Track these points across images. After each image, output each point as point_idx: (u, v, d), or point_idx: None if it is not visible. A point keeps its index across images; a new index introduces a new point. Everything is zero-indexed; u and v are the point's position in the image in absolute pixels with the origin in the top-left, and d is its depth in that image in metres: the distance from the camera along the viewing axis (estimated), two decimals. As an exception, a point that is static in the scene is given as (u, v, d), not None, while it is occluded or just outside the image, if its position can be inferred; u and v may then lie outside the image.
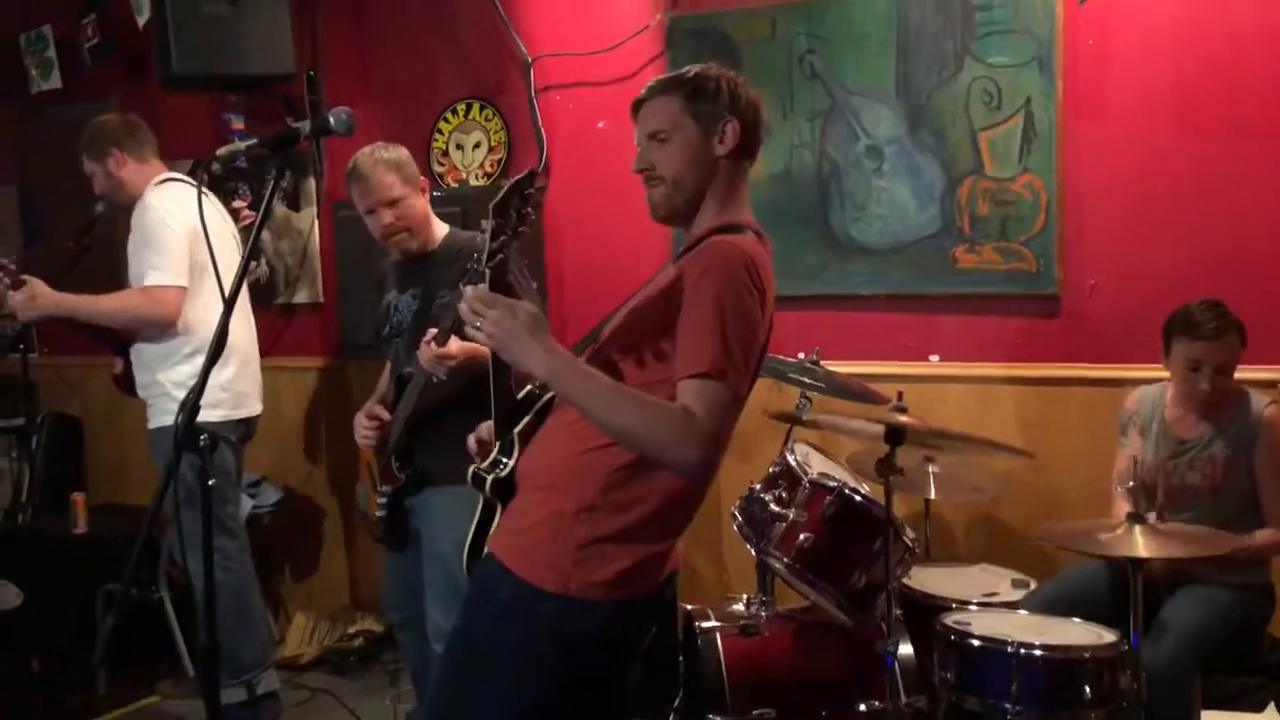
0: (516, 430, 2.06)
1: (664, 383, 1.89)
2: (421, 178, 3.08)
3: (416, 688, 3.32)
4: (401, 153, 3.05)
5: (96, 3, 4.78)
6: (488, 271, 1.97)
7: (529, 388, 2.10)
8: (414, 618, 3.13)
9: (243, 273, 2.16)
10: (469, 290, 1.91)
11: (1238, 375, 3.00)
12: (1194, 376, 2.92)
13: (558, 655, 1.95)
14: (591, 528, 1.92)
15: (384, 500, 3.08)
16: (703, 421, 1.82)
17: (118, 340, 3.79)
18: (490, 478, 2.06)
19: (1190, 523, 2.87)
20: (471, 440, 2.21)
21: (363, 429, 3.08)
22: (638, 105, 2.08)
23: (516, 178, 1.99)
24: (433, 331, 2.80)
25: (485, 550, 2.05)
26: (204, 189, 3.69)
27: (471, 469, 2.10)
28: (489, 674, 1.95)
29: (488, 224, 1.97)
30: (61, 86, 5.01)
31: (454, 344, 2.78)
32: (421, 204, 3.05)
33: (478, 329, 1.89)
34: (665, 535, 1.99)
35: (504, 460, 2.06)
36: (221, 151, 2.10)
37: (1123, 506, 2.94)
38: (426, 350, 2.78)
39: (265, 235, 4.68)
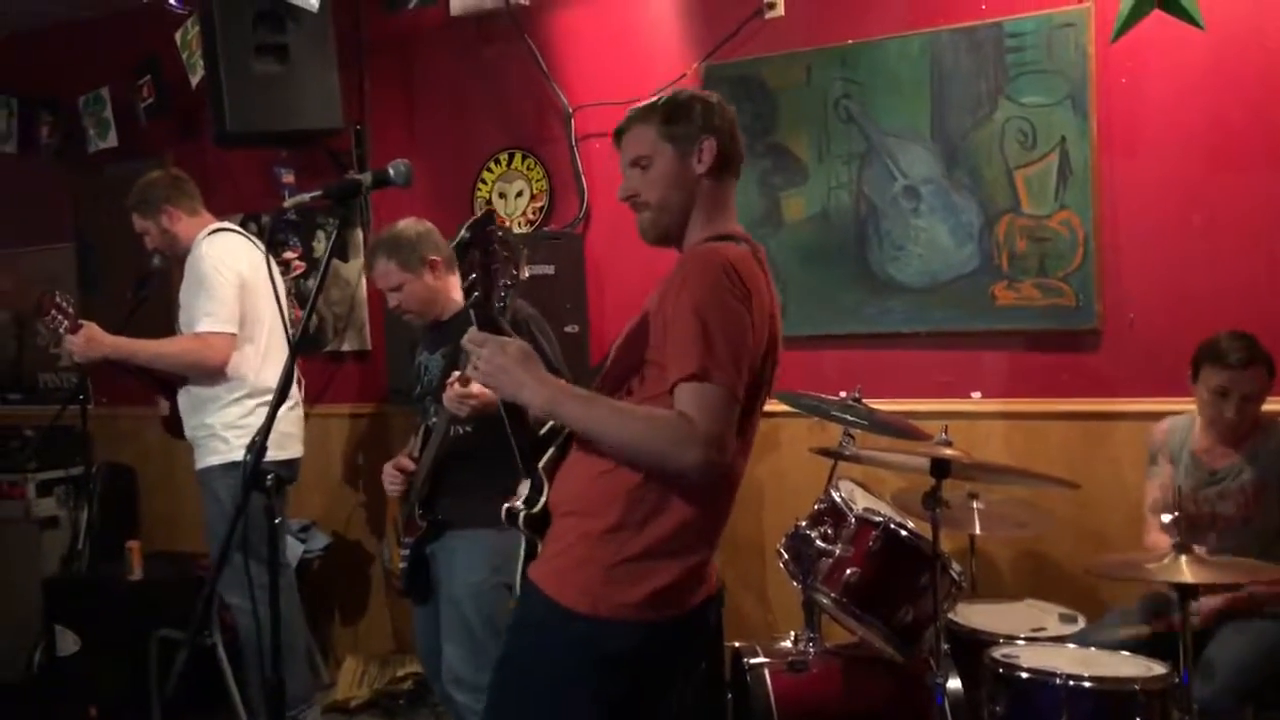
0: (541, 464, 2.11)
1: (663, 395, 1.93)
2: (432, 257, 3.12)
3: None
4: (408, 235, 3.13)
5: (152, 64, 4.95)
6: (472, 313, 2.07)
7: (550, 424, 2.14)
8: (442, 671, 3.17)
9: (305, 324, 2.24)
10: (467, 335, 2.00)
11: (1269, 406, 3.01)
12: (1220, 403, 2.94)
13: (592, 677, 1.96)
14: (618, 548, 1.95)
15: (407, 552, 3.15)
16: (698, 423, 1.86)
17: (164, 384, 3.90)
18: (524, 513, 2.10)
19: (1222, 553, 2.86)
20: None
21: (390, 477, 3.16)
22: (619, 135, 2.14)
23: (472, 219, 2.07)
24: (456, 374, 2.89)
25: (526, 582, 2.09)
26: (260, 238, 3.82)
27: (506, 507, 2.14)
28: (530, 698, 2.00)
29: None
30: (117, 145, 5.18)
31: (475, 385, 2.87)
32: (422, 286, 3.13)
33: (475, 369, 1.98)
34: (694, 550, 1.99)
35: (535, 496, 2.10)
36: (288, 202, 2.19)
37: (1157, 536, 2.95)
38: (450, 390, 2.87)
39: (313, 284, 4.80)
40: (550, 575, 2.01)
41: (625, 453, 1.93)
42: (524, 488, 2.13)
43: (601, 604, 1.94)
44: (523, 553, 2.18)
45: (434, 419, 3.06)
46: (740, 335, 1.92)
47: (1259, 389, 2.93)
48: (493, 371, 1.95)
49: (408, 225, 3.17)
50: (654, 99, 2.14)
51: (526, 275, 2.78)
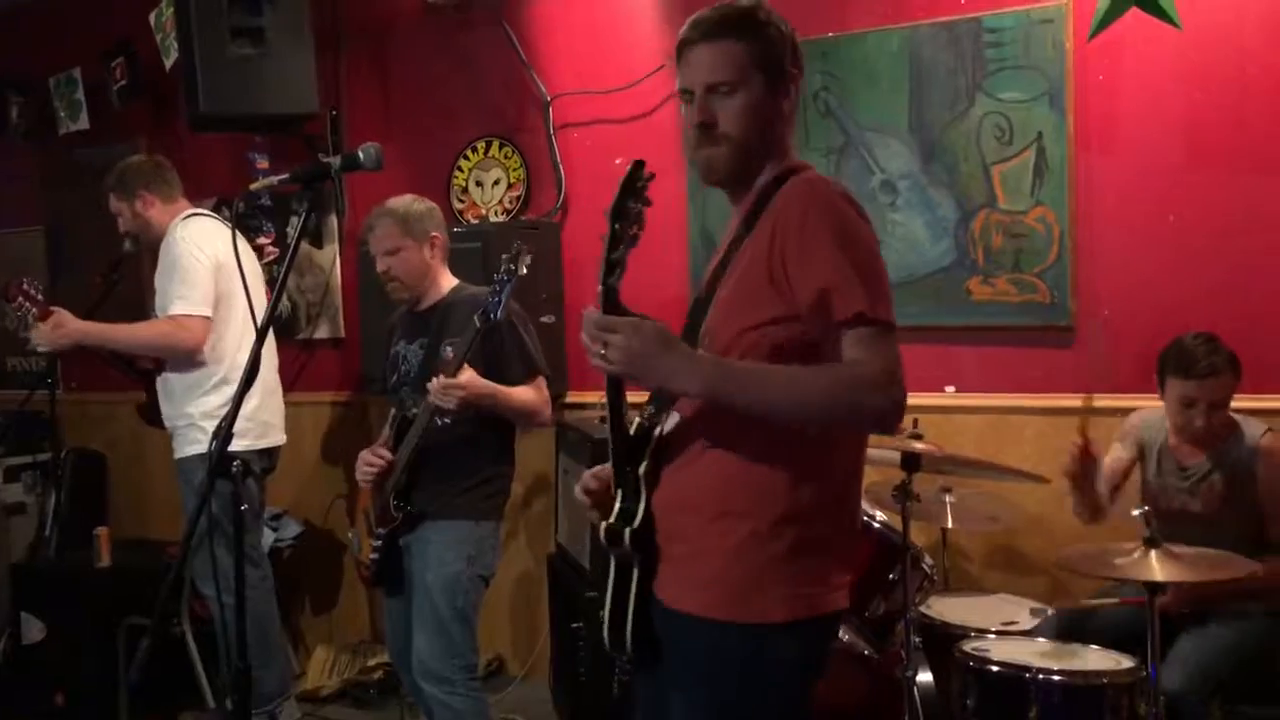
0: (642, 471, 1.82)
1: (803, 351, 1.72)
2: (434, 234, 3.12)
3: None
4: (417, 207, 3.12)
5: (125, 46, 4.89)
6: (602, 291, 1.75)
7: (637, 421, 1.86)
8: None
9: (273, 307, 2.22)
10: (586, 316, 1.72)
11: (1249, 405, 3.02)
12: (1188, 413, 2.95)
13: (809, 687, 1.79)
14: (794, 538, 1.74)
15: (378, 543, 3.13)
16: (879, 367, 1.68)
17: (140, 370, 3.86)
18: (627, 530, 1.80)
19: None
20: (579, 492, 1.95)
21: (365, 465, 3.12)
22: (687, 46, 1.85)
23: (628, 171, 1.77)
24: (444, 372, 2.87)
25: (664, 613, 1.80)
26: (232, 223, 3.79)
27: (605, 526, 1.84)
28: None
29: (605, 234, 1.76)
30: (89, 127, 5.12)
31: (464, 375, 2.85)
32: (418, 258, 3.11)
33: (602, 357, 1.69)
34: (854, 520, 1.85)
35: (632, 508, 1.81)
36: (255, 185, 2.17)
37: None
38: (437, 382, 2.84)
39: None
40: (723, 597, 1.74)
41: (806, 418, 1.70)
42: (616, 501, 1.82)
43: (799, 604, 1.73)
44: (611, 582, 1.87)
45: (413, 410, 3.04)
46: (881, 264, 1.75)
47: (1226, 395, 2.94)
48: (630, 360, 1.67)
49: (415, 199, 3.16)
50: (739, 11, 1.84)
51: (525, 272, 2.79)
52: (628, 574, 1.82)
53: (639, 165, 1.76)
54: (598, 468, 1.93)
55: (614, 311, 1.72)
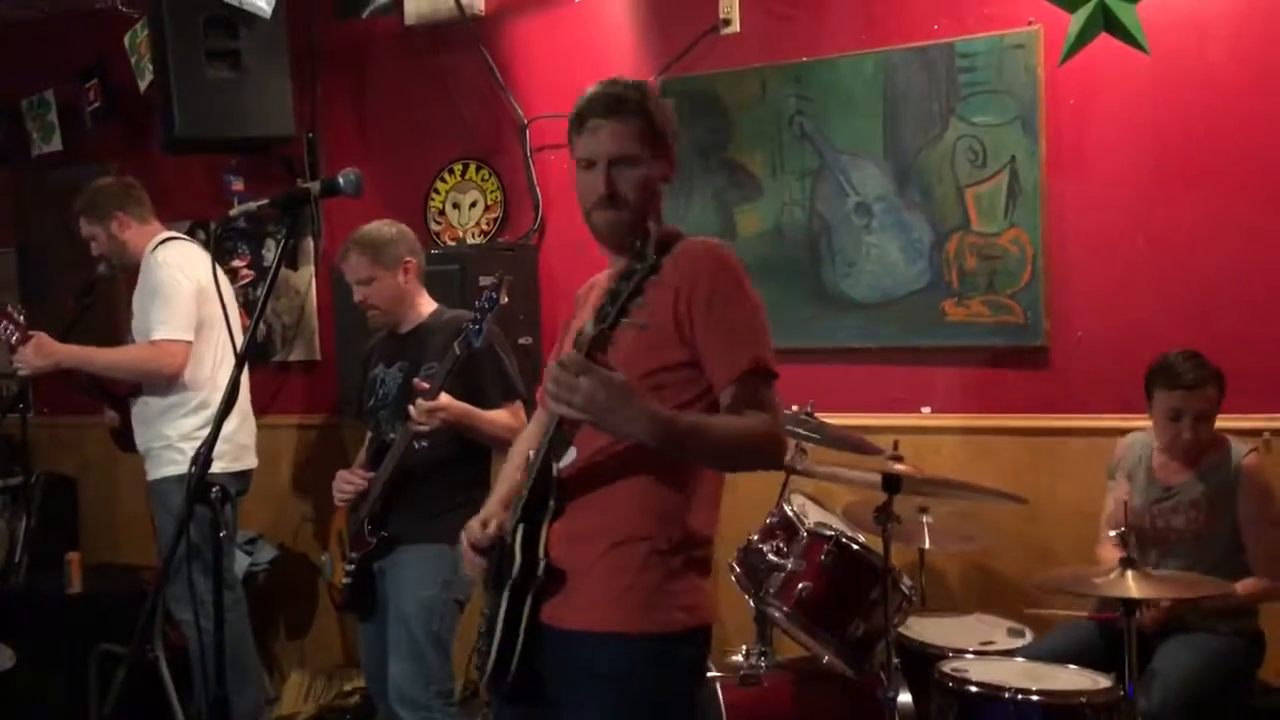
0: (550, 506, 1.96)
1: (701, 396, 1.96)
2: (407, 259, 3.12)
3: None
4: (387, 233, 3.13)
5: (98, 67, 4.87)
6: (595, 337, 1.80)
7: (541, 459, 1.97)
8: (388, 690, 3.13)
9: (252, 332, 2.21)
10: (564, 356, 1.80)
11: (1224, 424, 3.06)
12: (1176, 426, 2.99)
13: (698, 691, 2.04)
14: (686, 557, 1.96)
15: (352, 568, 3.11)
16: (774, 419, 1.94)
17: (114, 395, 3.83)
18: (542, 562, 1.94)
19: (1175, 568, 2.91)
20: (470, 550, 2.09)
21: (343, 484, 3.11)
22: (588, 119, 2.02)
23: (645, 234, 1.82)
24: (424, 387, 2.86)
25: (563, 636, 1.93)
26: (207, 247, 3.78)
27: (516, 565, 1.95)
28: None
29: (628, 284, 1.79)
30: (62, 149, 5.09)
31: (443, 398, 2.85)
32: (393, 285, 3.12)
33: (565, 402, 1.78)
34: (713, 540, 2.06)
35: (536, 541, 1.95)
36: (235, 210, 2.18)
37: (1109, 550, 2.99)
38: (418, 404, 2.84)
39: (262, 293, 4.74)
40: (630, 611, 1.91)
41: (734, 465, 1.99)
42: (518, 549, 1.95)
43: (693, 615, 1.96)
44: (508, 615, 1.95)
45: (390, 434, 3.04)
46: (764, 316, 2.00)
47: (1211, 407, 2.98)
48: (597, 408, 1.77)
49: (384, 224, 3.17)
50: (629, 93, 2.03)
51: (506, 300, 2.79)
52: (520, 606, 1.95)
53: (646, 230, 1.86)
54: (479, 517, 2.10)
55: (595, 359, 1.81)
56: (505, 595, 1.97)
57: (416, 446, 2.97)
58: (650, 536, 1.94)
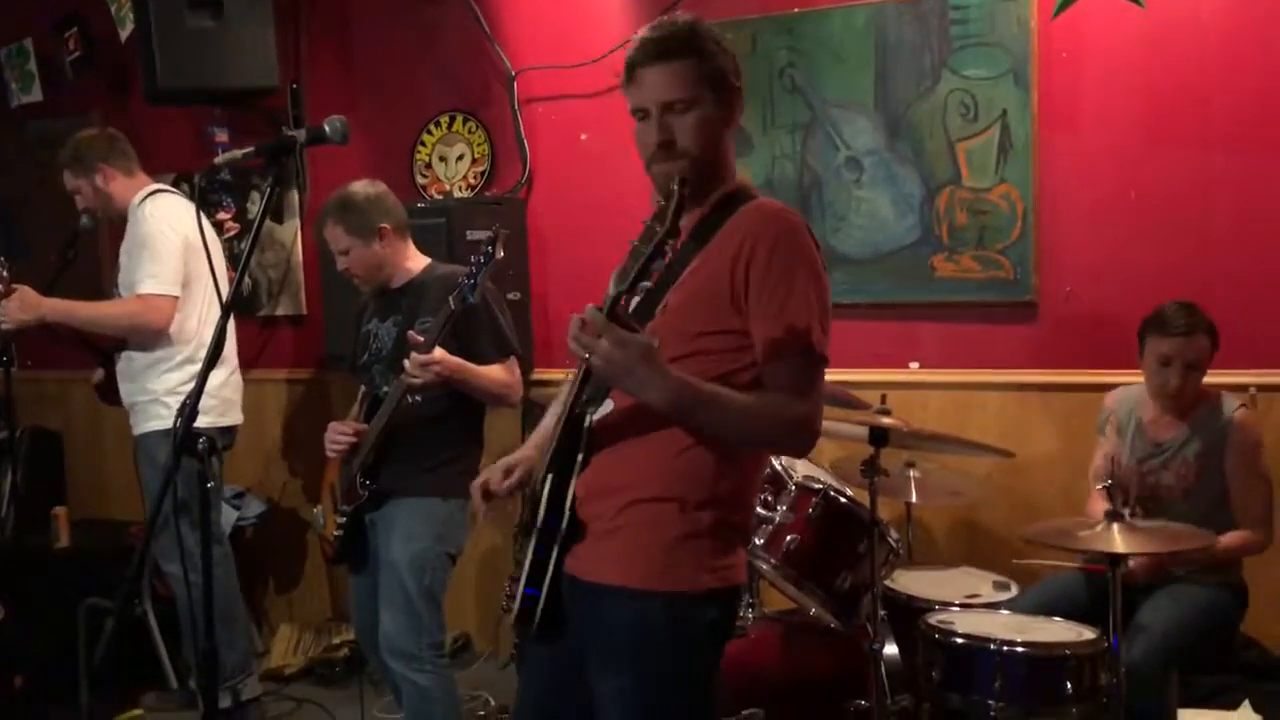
0: (579, 459, 1.93)
1: (749, 367, 1.87)
2: (382, 225, 3.07)
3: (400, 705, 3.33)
4: (361, 198, 3.08)
5: (78, 16, 4.79)
6: (613, 297, 1.77)
7: (574, 411, 1.94)
8: (379, 642, 3.13)
9: (238, 283, 2.19)
10: (585, 311, 1.77)
11: (1211, 380, 3.07)
12: (1165, 372, 2.99)
13: (721, 651, 1.96)
14: (713, 519, 1.89)
15: (343, 520, 3.11)
16: (811, 403, 1.86)
17: (99, 349, 3.80)
18: (568, 510, 1.91)
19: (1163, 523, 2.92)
20: (478, 494, 2.10)
21: (336, 435, 3.10)
22: (638, 66, 1.91)
23: (678, 188, 1.76)
24: (418, 350, 2.85)
25: (584, 588, 1.91)
26: (192, 198, 3.74)
27: (541, 510, 1.94)
28: (679, 707, 1.91)
29: (647, 247, 1.74)
30: (42, 99, 5.02)
31: (438, 352, 2.84)
32: (369, 254, 3.09)
33: (587, 357, 1.76)
34: (752, 509, 2.03)
35: (564, 492, 1.93)
36: (219, 159, 2.13)
37: (1098, 504, 3.01)
38: (413, 358, 2.83)
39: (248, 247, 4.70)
40: (655, 570, 1.87)
41: (751, 443, 1.91)
42: (545, 486, 1.93)
43: (716, 576, 1.90)
44: (534, 560, 1.94)
45: (384, 388, 3.04)
46: (828, 296, 1.91)
47: (1201, 357, 2.99)
48: (613, 367, 1.74)
49: (360, 188, 3.11)
50: (684, 33, 1.91)
51: (502, 255, 2.76)
52: (547, 552, 1.93)
53: (683, 182, 1.78)
54: (504, 462, 2.09)
55: (615, 317, 1.77)
56: (532, 543, 1.95)
57: (410, 401, 2.96)
58: (676, 496, 1.88)
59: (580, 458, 1.92)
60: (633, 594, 1.87)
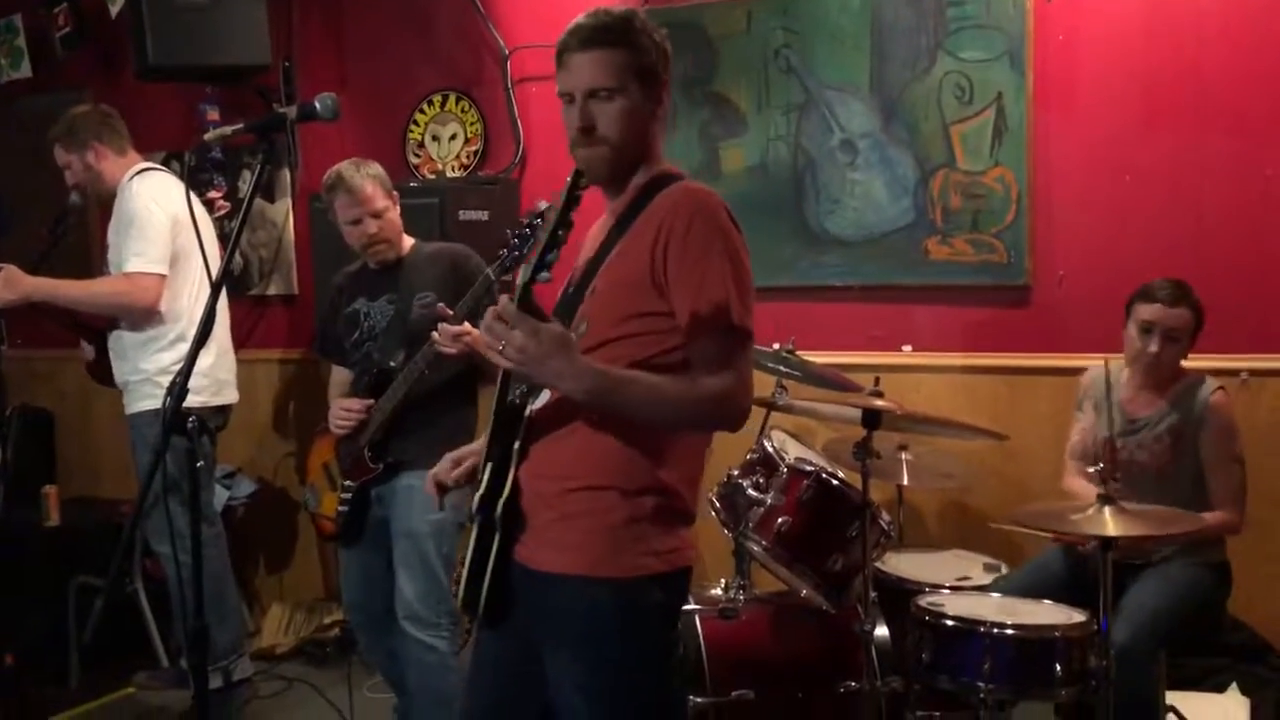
0: (515, 447, 1.94)
1: (679, 348, 1.87)
2: (394, 193, 3.14)
3: (391, 684, 3.34)
4: (379, 167, 3.14)
5: (67, -9, 4.75)
6: (521, 287, 1.83)
7: (510, 400, 1.97)
8: (374, 617, 3.19)
9: (228, 261, 2.18)
10: (497, 305, 1.80)
11: (1204, 364, 3.07)
12: (1145, 339, 3.00)
13: (671, 635, 1.97)
14: (654, 505, 1.89)
15: (348, 495, 3.12)
16: (735, 382, 1.85)
17: (90, 328, 3.79)
18: (500, 501, 1.92)
19: (1135, 501, 2.92)
20: (431, 485, 2.13)
21: (345, 411, 3.09)
22: (568, 52, 1.94)
23: (571, 180, 1.84)
24: (449, 321, 2.87)
25: (530, 576, 1.92)
26: (183, 177, 3.71)
27: (478, 497, 1.97)
28: (633, 691, 1.91)
29: (543, 236, 1.83)
30: (32, 75, 4.98)
31: (465, 324, 2.87)
32: (397, 216, 3.14)
33: (500, 351, 1.79)
34: (697, 490, 2.00)
35: (501, 482, 1.94)
36: (209, 135, 2.11)
37: (1075, 482, 3.05)
38: (443, 329, 2.85)
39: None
40: (598, 555, 1.87)
41: (674, 425, 1.89)
42: (484, 475, 1.95)
43: (661, 560, 1.89)
44: (473, 545, 1.95)
45: (390, 362, 3.04)
46: (749, 275, 1.90)
47: (1183, 329, 2.99)
48: (527, 358, 1.76)
49: (370, 161, 3.14)
50: (614, 22, 1.93)
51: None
52: (489, 539, 1.94)
53: (580, 174, 1.85)
54: (454, 454, 2.12)
55: (527, 308, 1.80)
56: (474, 531, 1.97)
57: (426, 372, 2.98)
58: (614, 483, 1.88)
59: (517, 446, 1.93)
60: (578, 581, 1.88)
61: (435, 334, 2.87)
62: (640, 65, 1.92)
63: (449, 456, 2.13)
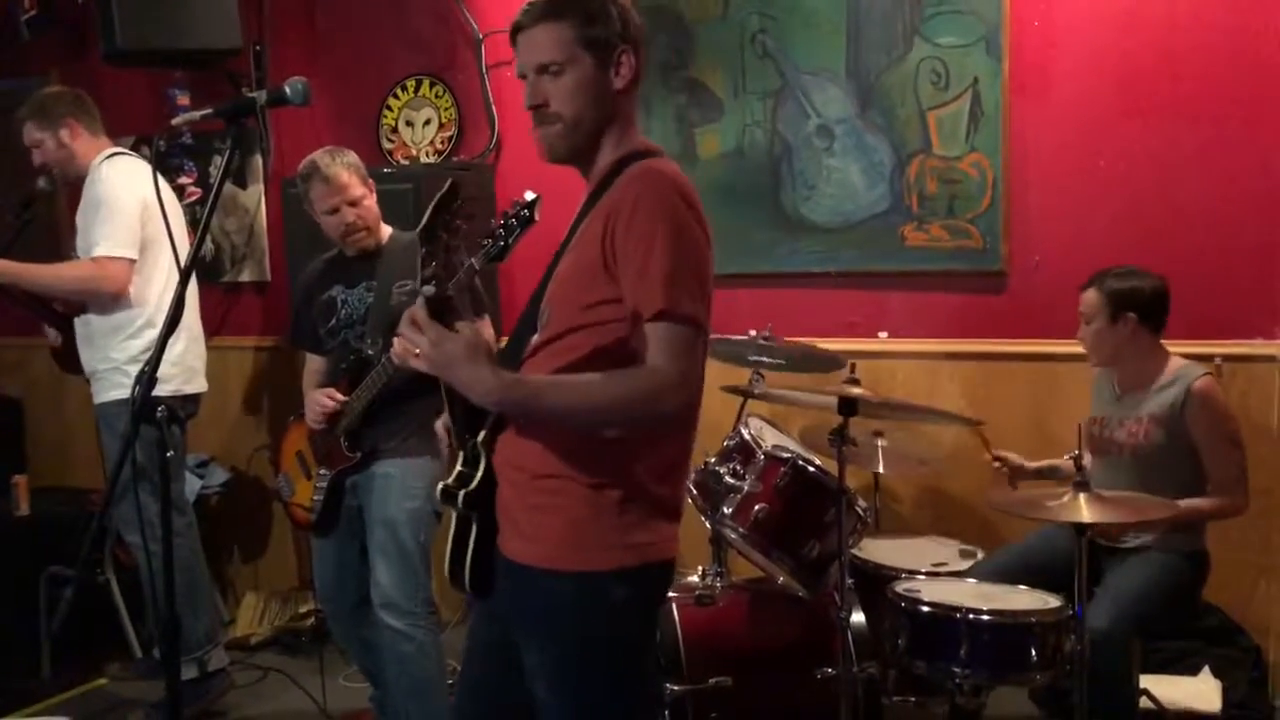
0: (480, 439, 1.92)
1: (626, 339, 1.79)
2: (370, 181, 3.12)
3: (366, 674, 3.32)
4: (355, 155, 3.12)
5: (32, -27, 4.67)
6: (423, 300, 1.83)
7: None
8: (347, 606, 3.17)
9: (198, 247, 2.14)
10: (408, 312, 1.80)
11: (1176, 349, 3.08)
12: (1083, 329, 3.05)
13: (649, 629, 1.94)
14: (626, 495, 1.82)
15: (324, 484, 3.10)
16: (670, 371, 1.73)
17: (56, 314, 3.73)
18: (463, 492, 1.92)
19: (1109, 483, 2.93)
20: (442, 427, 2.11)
21: (325, 400, 3.06)
22: (518, 32, 1.87)
23: (439, 195, 1.85)
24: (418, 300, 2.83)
25: (507, 566, 1.90)
26: (153, 162, 3.66)
27: (441, 486, 1.97)
28: (597, 686, 1.86)
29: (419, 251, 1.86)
30: (-3, 60, 4.90)
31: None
32: (374, 204, 3.12)
33: (415, 354, 1.78)
34: (682, 476, 1.93)
35: (472, 471, 1.92)
36: (178, 120, 2.08)
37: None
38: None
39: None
40: (560, 548, 1.83)
41: (605, 425, 1.79)
42: (455, 465, 1.94)
43: (629, 554, 1.83)
44: (453, 532, 1.97)
45: (368, 350, 3.02)
46: (703, 261, 1.79)
47: (1092, 312, 3.02)
48: (436, 364, 1.75)
49: (346, 150, 3.11)
50: None
51: (538, 219, 2.71)
52: (467, 527, 1.93)
53: (454, 188, 1.83)
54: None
55: (440, 315, 1.78)
56: (454, 520, 1.97)
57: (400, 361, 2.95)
58: (578, 475, 1.82)
59: (484, 437, 1.90)
60: (542, 573, 1.85)
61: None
62: (589, 35, 1.83)
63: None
